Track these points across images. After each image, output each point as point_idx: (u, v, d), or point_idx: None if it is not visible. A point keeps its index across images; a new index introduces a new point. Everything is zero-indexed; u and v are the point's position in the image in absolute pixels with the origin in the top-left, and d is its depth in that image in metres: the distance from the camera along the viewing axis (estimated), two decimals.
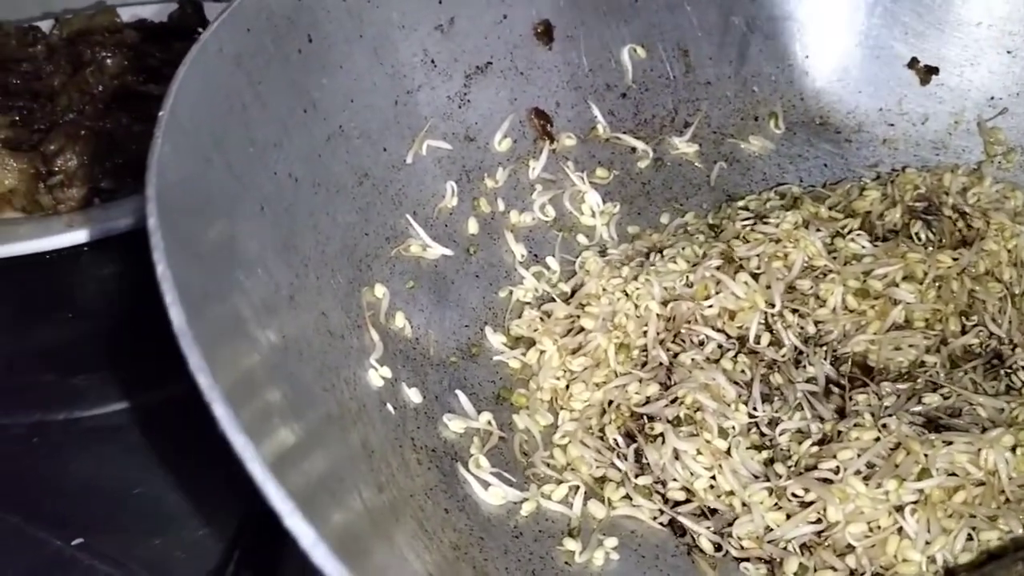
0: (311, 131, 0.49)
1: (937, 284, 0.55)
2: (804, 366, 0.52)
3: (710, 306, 0.54)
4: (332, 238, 0.49)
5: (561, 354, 0.54)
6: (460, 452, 0.49)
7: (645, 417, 0.50)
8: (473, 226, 0.59)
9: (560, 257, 0.60)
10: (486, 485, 0.48)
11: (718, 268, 0.55)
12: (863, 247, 0.57)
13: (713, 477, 0.48)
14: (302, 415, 0.37)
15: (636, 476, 0.49)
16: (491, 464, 0.49)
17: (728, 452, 0.48)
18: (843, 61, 0.72)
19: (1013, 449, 0.46)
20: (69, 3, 0.89)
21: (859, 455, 0.46)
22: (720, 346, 0.53)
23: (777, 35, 0.71)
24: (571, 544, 0.47)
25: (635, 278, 0.56)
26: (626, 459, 0.50)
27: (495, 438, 0.50)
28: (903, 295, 0.54)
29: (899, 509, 0.45)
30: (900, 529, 0.45)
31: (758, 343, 0.53)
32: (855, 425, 0.48)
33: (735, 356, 0.52)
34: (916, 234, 0.59)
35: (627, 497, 0.49)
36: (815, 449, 0.48)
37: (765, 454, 0.49)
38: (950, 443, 0.46)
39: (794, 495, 0.47)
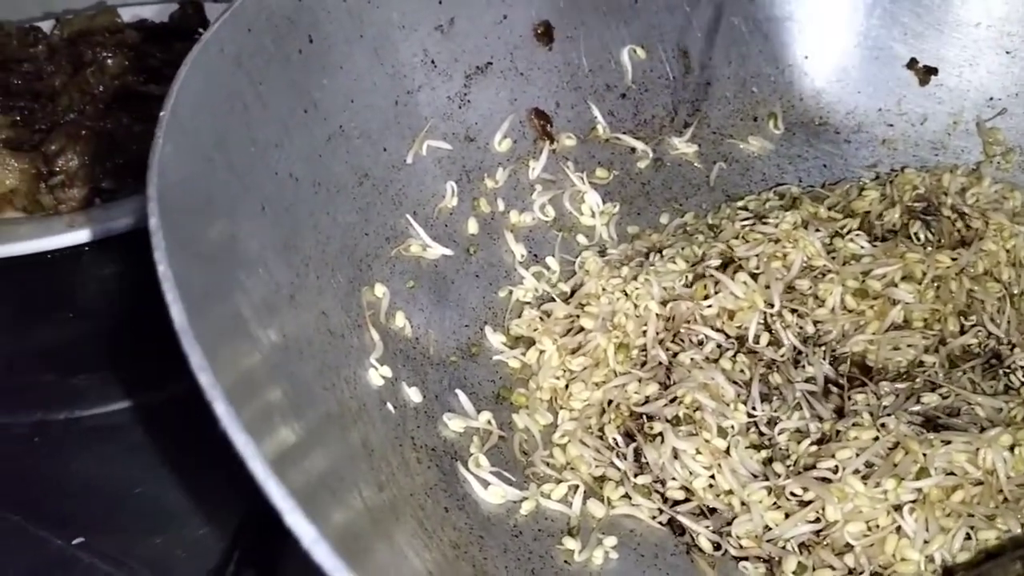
0: (312, 131, 0.49)
1: (936, 284, 0.55)
2: (803, 366, 0.53)
3: (709, 306, 0.54)
4: (332, 238, 0.49)
5: (561, 354, 0.54)
6: (460, 451, 0.49)
7: (644, 416, 0.50)
8: (473, 226, 0.59)
9: (560, 257, 0.60)
10: (486, 484, 0.48)
11: (717, 268, 0.55)
12: (862, 247, 0.57)
13: (712, 476, 0.48)
14: (302, 414, 0.38)
15: (635, 475, 0.49)
16: (491, 463, 0.49)
17: (727, 451, 0.49)
18: (842, 62, 0.72)
19: (1011, 448, 0.46)
20: (70, 3, 0.89)
21: (858, 454, 0.46)
22: (719, 346, 0.53)
23: (776, 36, 0.71)
24: (570, 543, 0.47)
25: (635, 278, 0.56)
26: (625, 458, 0.50)
27: (495, 437, 0.50)
28: (902, 295, 0.54)
29: (897, 508, 0.45)
30: (898, 528, 0.45)
31: (757, 343, 0.53)
32: (854, 424, 0.48)
33: (734, 356, 0.52)
34: (915, 234, 0.59)
35: (626, 496, 0.49)
36: (814, 448, 0.48)
37: (764, 453, 0.49)
38: (948, 442, 0.46)
39: (793, 494, 0.47)
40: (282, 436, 0.33)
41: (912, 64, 0.71)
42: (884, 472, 0.46)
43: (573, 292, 0.58)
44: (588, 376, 0.53)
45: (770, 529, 0.46)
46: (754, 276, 0.55)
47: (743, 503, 0.47)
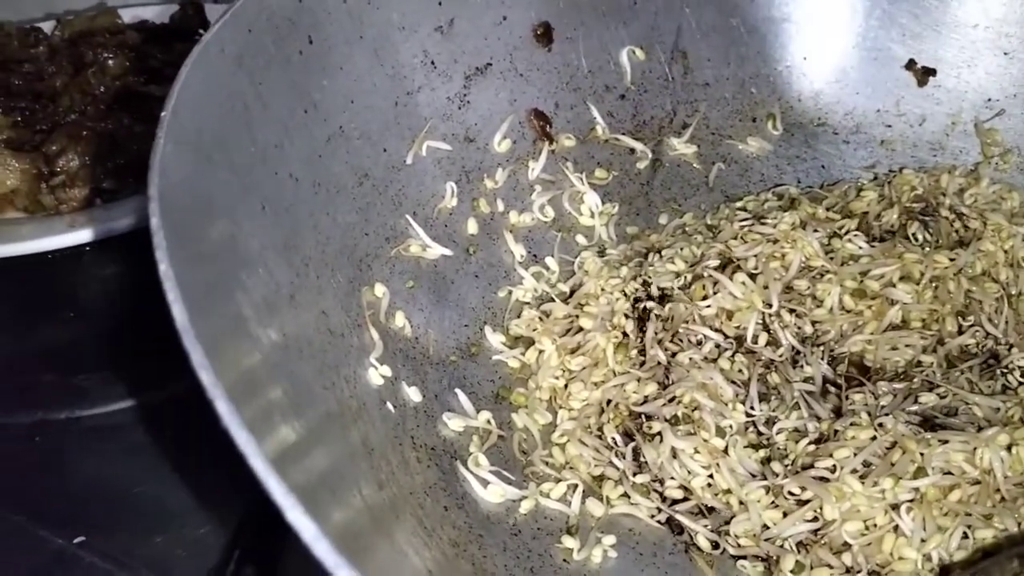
0: (312, 132, 0.49)
1: (934, 284, 0.55)
2: (801, 366, 0.53)
3: (708, 306, 0.54)
4: (332, 238, 0.49)
5: (560, 353, 0.54)
6: (459, 450, 0.49)
7: (643, 416, 0.50)
8: (473, 226, 0.59)
9: (559, 257, 0.60)
10: (485, 483, 0.48)
11: (716, 268, 0.56)
12: (860, 248, 0.57)
13: (711, 475, 0.48)
14: (303, 413, 0.38)
15: (634, 474, 0.49)
16: (490, 462, 0.49)
17: (725, 451, 0.49)
18: (841, 63, 0.72)
19: (1008, 448, 0.46)
20: (71, 4, 0.89)
21: (855, 454, 0.47)
22: (718, 346, 0.53)
23: (775, 37, 0.71)
24: (569, 542, 0.47)
25: (634, 278, 0.56)
26: (624, 457, 0.50)
27: (494, 437, 0.51)
28: (900, 295, 0.55)
29: (895, 507, 0.45)
30: (896, 527, 0.45)
31: (755, 343, 0.53)
32: (852, 424, 0.48)
33: (733, 356, 0.53)
34: (913, 235, 0.59)
35: (625, 495, 0.49)
36: (812, 448, 0.48)
37: (762, 453, 0.49)
38: (946, 442, 0.46)
39: (791, 493, 0.47)
40: (283, 435, 0.34)
41: (910, 65, 0.71)
42: (882, 471, 0.46)
43: (572, 292, 0.58)
44: (587, 376, 0.53)
45: (768, 528, 0.46)
46: (752, 276, 0.55)
47: (741, 502, 0.48)
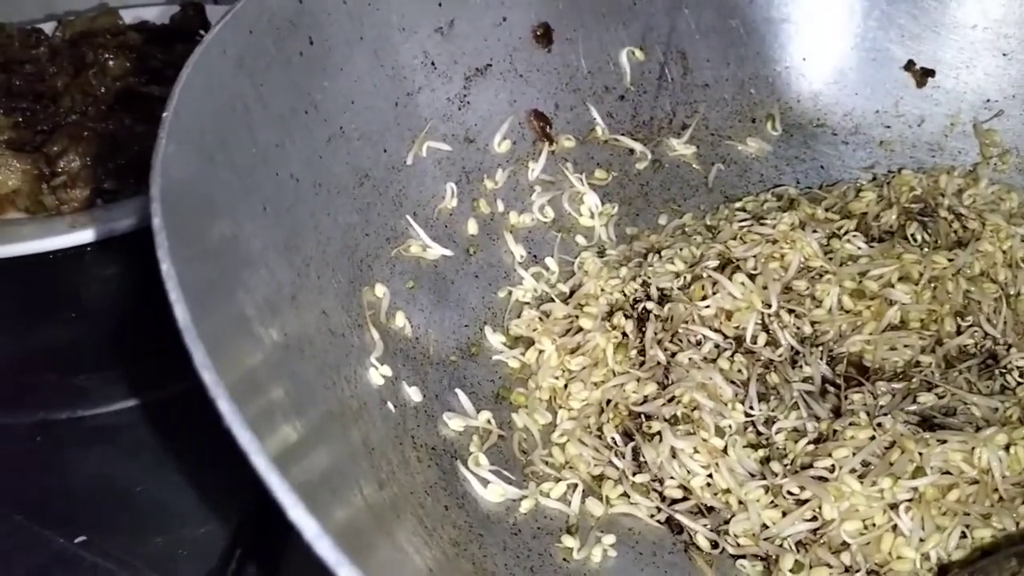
0: (312, 132, 0.49)
1: (932, 285, 0.55)
2: (800, 366, 0.53)
3: (707, 306, 0.54)
4: (333, 238, 0.49)
5: (560, 353, 0.55)
6: (460, 450, 0.49)
7: (643, 416, 0.51)
8: (473, 227, 0.59)
9: (559, 258, 0.61)
10: (485, 483, 0.48)
11: (715, 269, 0.56)
12: (859, 248, 0.58)
13: (710, 475, 0.49)
14: (304, 412, 0.38)
15: (634, 474, 0.50)
16: (490, 462, 0.49)
17: (725, 450, 0.49)
18: (840, 63, 0.72)
19: (1007, 448, 0.47)
20: (71, 5, 0.89)
21: (854, 453, 0.47)
22: (717, 346, 0.53)
23: (774, 38, 0.72)
24: (569, 541, 0.47)
25: (633, 279, 0.57)
26: (624, 457, 0.50)
27: (494, 436, 0.51)
28: (899, 296, 0.55)
29: (894, 507, 0.45)
30: (895, 527, 0.45)
31: (755, 343, 0.53)
32: (850, 424, 0.48)
33: (732, 356, 0.53)
34: (912, 235, 0.59)
35: (625, 495, 0.49)
36: (811, 448, 0.48)
37: (761, 452, 0.49)
38: (944, 442, 0.46)
39: (790, 493, 0.47)
40: (284, 434, 0.34)
41: (909, 66, 0.71)
42: (880, 471, 0.46)
43: (572, 292, 0.58)
44: (587, 376, 0.53)
45: (767, 527, 0.47)
46: (752, 277, 0.55)
47: (740, 502, 0.48)
